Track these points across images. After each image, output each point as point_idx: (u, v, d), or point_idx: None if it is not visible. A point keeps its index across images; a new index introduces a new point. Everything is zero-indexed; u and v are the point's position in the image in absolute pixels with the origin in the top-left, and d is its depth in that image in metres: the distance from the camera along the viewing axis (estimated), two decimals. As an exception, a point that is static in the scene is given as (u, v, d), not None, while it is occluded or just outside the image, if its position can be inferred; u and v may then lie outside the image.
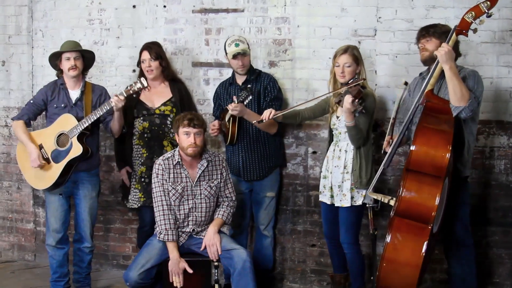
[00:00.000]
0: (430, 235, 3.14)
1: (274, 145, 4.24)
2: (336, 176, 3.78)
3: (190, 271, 3.61)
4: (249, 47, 4.10)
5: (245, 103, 3.83)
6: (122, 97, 3.80)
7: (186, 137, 3.60)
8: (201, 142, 3.65)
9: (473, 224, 3.66)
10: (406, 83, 3.55)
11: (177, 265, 3.60)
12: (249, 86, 3.98)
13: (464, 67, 3.52)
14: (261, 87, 4.12)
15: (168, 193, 3.69)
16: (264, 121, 3.78)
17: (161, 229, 3.66)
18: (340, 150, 3.80)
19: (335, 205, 3.80)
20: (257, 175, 4.16)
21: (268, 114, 3.78)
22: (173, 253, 3.63)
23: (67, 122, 3.92)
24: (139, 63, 4.27)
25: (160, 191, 3.69)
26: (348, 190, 3.72)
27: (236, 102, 3.79)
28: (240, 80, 4.14)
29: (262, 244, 4.26)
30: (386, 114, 4.20)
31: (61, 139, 3.94)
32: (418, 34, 3.56)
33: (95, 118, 3.87)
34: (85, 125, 3.86)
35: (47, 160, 3.96)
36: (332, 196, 3.82)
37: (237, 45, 4.01)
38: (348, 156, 3.75)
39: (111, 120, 4.00)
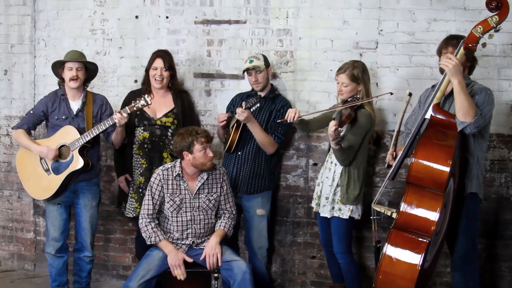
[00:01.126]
0: (427, 249, 3.13)
1: (269, 167, 4.18)
2: (325, 187, 3.81)
3: (189, 260, 3.63)
4: (266, 64, 4.09)
5: (252, 110, 3.84)
6: (125, 114, 3.81)
7: (204, 153, 3.60)
8: None
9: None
10: (410, 94, 3.42)
11: (176, 257, 3.61)
12: (259, 93, 3.98)
13: (478, 82, 3.45)
14: (275, 108, 4.11)
15: (166, 204, 3.69)
16: (288, 121, 3.71)
17: (150, 233, 3.66)
18: (331, 162, 3.83)
19: (320, 214, 3.84)
20: (245, 190, 4.10)
21: (293, 114, 3.68)
22: (168, 247, 3.64)
23: (68, 134, 3.93)
24: (147, 69, 4.23)
25: (148, 199, 3.70)
26: (334, 202, 3.74)
27: (244, 107, 3.80)
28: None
29: (256, 266, 4.09)
30: (386, 127, 4.20)
31: (62, 150, 3.95)
32: (440, 46, 3.46)
33: (97, 133, 3.89)
34: (87, 139, 3.87)
35: (47, 171, 3.97)
36: (318, 205, 3.85)
37: (251, 61, 4.02)
38: (337, 170, 3.77)
39: (112, 131, 4.01)
